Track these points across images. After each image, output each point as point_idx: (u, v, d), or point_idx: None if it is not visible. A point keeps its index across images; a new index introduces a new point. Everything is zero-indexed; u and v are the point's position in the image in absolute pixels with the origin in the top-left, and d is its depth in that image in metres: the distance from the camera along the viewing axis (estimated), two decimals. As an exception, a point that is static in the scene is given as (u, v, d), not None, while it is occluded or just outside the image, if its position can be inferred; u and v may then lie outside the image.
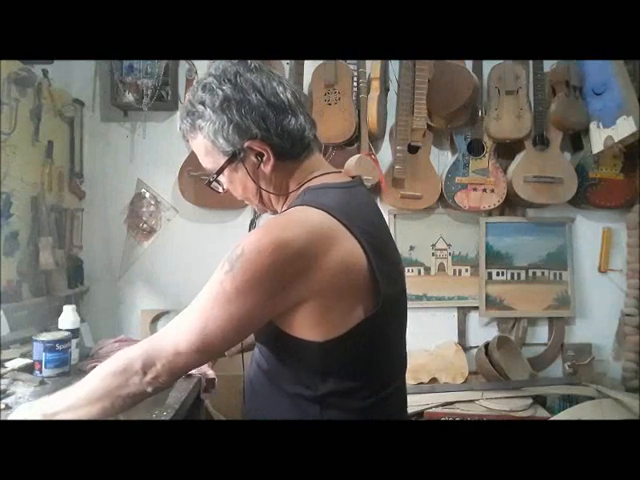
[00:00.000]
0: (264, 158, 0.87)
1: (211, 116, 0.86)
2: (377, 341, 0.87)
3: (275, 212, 0.96)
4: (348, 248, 0.80)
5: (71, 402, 0.86)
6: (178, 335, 0.82)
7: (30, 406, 0.91)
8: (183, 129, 0.91)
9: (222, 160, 0.89)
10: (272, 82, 0.87)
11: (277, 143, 0.87)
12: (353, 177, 0.98)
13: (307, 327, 0.82)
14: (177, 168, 2.25)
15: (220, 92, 0.85)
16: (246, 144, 0.86)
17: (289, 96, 0.88)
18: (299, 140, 0.89)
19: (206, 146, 0.89)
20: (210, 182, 0.94)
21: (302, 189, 0.90)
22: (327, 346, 0.82)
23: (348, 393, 0.87)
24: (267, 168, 0.88)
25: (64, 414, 0.85)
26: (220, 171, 0.90)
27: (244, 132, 0.85)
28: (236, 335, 0.83)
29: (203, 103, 0.86)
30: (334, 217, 0.81)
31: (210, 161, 0.91)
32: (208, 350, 0.83)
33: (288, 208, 0.88)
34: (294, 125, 0.88)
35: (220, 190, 0.96)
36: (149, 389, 0.84)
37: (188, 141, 0.94)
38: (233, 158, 0.88)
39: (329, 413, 0.86)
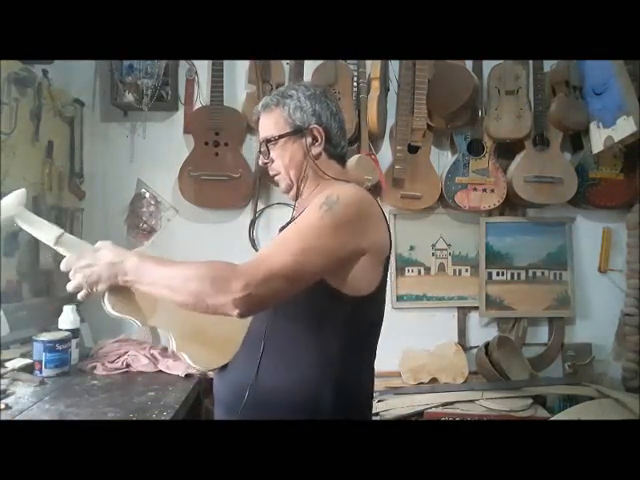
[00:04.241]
0: (317, 143, 1.11)
1: (299, 98, 1.12)
2: (380, 311, 1.11)
3: (295, 195, 1.14)
4: (385, 225, 1.07)
5: (153, 280, 0.97)
6: (275, 257, 0.92)
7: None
8: (265, 103, 1.14)
9: (287, 130, 1.11)
10: (340, 110, 1.19)
11: (331, 137, 1.13)
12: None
13: (354, 280, 1.00)
14: (177, 168, 2.24)
15: (312, 90, 1.14)
16: (312, 125, 1.10)
17: (343, 119, 1.18)
18: (341, 147, 1.16)
19: (278, 117, 1.12)
20: (261, 145, 1.15)
21: (339, 181, 1.10)
22: (358, 301, 1.01)
23: (357, 348, 1.06)
24: (316, 150, 1.11)
25: (140, 285, 0.99)
26: (282, 136, 1.11)
27: (316, 117, 1.11)
28: (322, 267, 0.96)
29: (295, 90, 1.13)
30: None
31: (275, 129, 1.12)
32: (297, 277, 0.93)
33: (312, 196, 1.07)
34: (341, 136, 1.16)
35: (262, 160, 1.16)
36: (229, 308, 0.90)
37: (258, 118, 1.15)
38: (298, 131, 1.11)
39: (346, 366, 1.02)
